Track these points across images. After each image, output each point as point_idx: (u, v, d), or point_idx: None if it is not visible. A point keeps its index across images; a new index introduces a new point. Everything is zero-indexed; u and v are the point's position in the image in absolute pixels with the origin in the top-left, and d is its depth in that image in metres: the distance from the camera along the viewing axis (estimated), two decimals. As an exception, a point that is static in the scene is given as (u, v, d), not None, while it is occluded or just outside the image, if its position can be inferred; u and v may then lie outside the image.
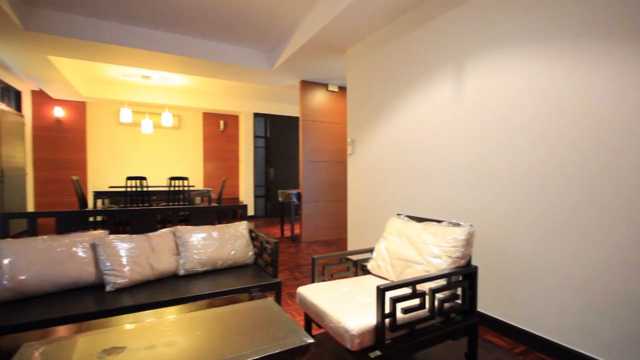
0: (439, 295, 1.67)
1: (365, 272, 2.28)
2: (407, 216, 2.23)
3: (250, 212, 7.42)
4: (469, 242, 1.76)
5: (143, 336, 1.44)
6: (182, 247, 2.48)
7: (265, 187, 7.70)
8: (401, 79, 3.06)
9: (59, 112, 6.30)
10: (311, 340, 1.36)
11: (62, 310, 1.87)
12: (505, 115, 2.20)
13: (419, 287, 1.72)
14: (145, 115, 6.62)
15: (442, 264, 1.75)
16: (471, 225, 1.81)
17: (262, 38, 4.08)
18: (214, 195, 6.30)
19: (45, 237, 2.20)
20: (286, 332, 1.43)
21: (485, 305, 2.34)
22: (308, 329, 1.97)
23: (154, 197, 5.49)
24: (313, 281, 2.07)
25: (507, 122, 2.19)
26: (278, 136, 7.77)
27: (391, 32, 3.17)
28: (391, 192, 3.21)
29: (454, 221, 1.93)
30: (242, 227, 2.78)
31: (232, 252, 2.62)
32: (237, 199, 7.70)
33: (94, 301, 2.01)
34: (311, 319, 1.87)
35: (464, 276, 1.79)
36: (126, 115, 5.86)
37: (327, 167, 5.24)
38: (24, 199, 5.66)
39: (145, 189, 5.04)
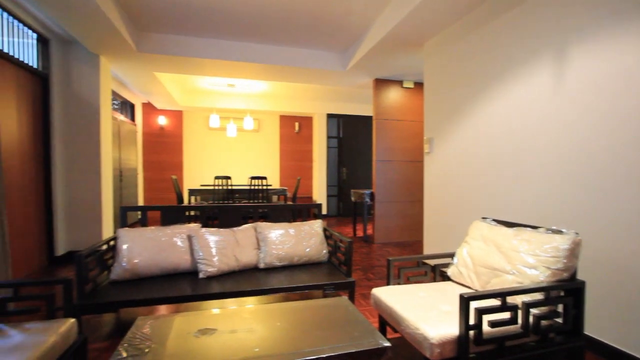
0: (534, 311, 1.47)
1: (445, 278, 2.14)
2: (495, 220, 2.02)
3: (323, 211, 7.59)
4: (573, 253, 1.52)
5: (228, 321, 1.57)
6: (262, 242, 2.65)
7: (338, 187, 7.79)
8: (488, 70, 2.79)
9: (162, 121, 7.30)
10: (388, 344, 1.32)
11: (165, 291, 2.16)
12: (623, 104, 1.84)
13: (510, 299, 1.54)
14: (230, 120, 7.27)
15: (539, 276, 1.54)
16: (577, 234, 1.56)
17: (336, 39, 4.13)
18: (289, 194, 6.61)
19: (153, 227, 2.57)
20: (362, 333, 1.41)
21: (595, 327, 1.99)
22: (383, 331, 1.93)
23: (237, 195, 5.99)
24: (388, 283, 2.02)
25: (626, 113, 1.82)
26: (350, 136, 7.79)
27: (474, 20, 2.92)
28: (474, 193, 2.95)
29: (553, 228, 1.69)
30: (317, 225, 2.85)
31: (307, 250, 2.70)
32: (310, 197, 7.95)
33: (189, 286, 2.27)
34: (386, 322, 1.82)
35: (567, 291, 1.55)
36: (214, 121, 6.51)
37: (401, 167, 5.07)
38: (136, 195, 6.70)
39: (229, 187, 5.53)
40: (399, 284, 2.04)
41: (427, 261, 2.90)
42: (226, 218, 2.94)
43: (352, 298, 2.39)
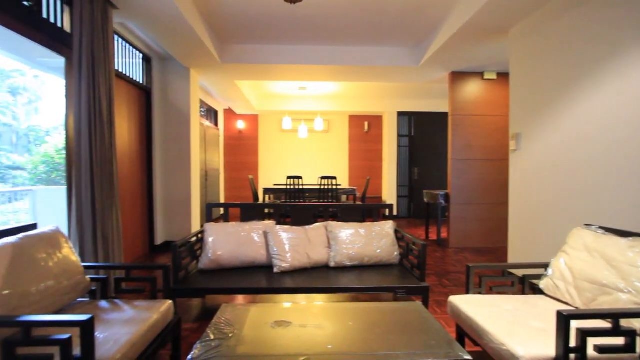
0: (659, 340, 1.21)
1: (536, 291, 1.90)
2: (602, 228, 1.73)
3: (394, 212, 7.38)
4: None
5: (300, 315, 1.62)
6: (333, 241, 2.68)
7: (409, 187, 7.50)
8: (591, 54, 2.40)
9: (240, 125, 7.92)
10: (469, 357, 1.22)
11: (244, 282, 2.33)
12: None
13: (624, 322, 1.30)
14: (302, 121, 7.53)
15: (666, 297, 1.26)
16: None
17: (408, 35, 3.98)
18: (358, 194, 6.59)
19: (233, 223, 2.79)
20: (439, 342, 1.33)
21: None
22: (461, 343, 1.79)
23: (307, 194, 6.18)
24: (467, 292, 1.87)
25: None
26: (423, 134, 7.44)
27: (575, -4, 2.53)
28: (573, 196, 2.56)
29: (687, 239, 1.37)
30: (388, 226, 2.78)
31: (378, 251, 2.66)
32: (379, 198, 7.81)
33: (265, 279, 2.41)
34: (465, 333, 1.69)
35: None
36: (287, 123, 6.82)
37: (481, 166, 4.66)
38: (218, 193, 7.38)
39: (300, 187, 5.74)
40: (479, 293, 1.87)
41: (513, 271, 2.61)
42: (298, 216, 3.05)
43: (425, 304, 2.27)
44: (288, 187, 5.67)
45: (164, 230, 4.50)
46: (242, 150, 7.99)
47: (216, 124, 7.44)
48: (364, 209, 3.17)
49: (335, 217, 3.14)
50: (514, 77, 3.31)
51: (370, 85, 6.16)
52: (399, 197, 7.50)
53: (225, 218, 3.05)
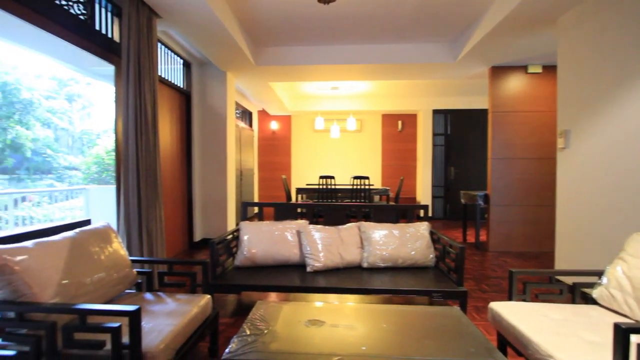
0: None
1: (587, 300, 1.76)
2: (667, 233, 1.56)
3: (428, 213, 7.16)
4: None
5: (334, 315, 1.61)
6: (365, 242, 2.66)
7: (445, 187, 7.25)
8: (653, 40, 2.17)
9: (274, 125, 8.07)
10: (512, 368, 1.15)
11: (277, 280, 2.37)
12: None
13: (696, 339, 1.16)
14: (334, 121, 7.52)
15: None
16: None
17: (444, 29, 3.84)
18: (391, 194, 6.47)
19: (267, 222, 2.85)
20: (478, 350, 1.27)
21: None
22: (502, 352, 1.70)
23: (339, 194, 6.17)
24: (510, 298, 1.77)
25: None
26: (459, 132, 7.15)
27: (634, -21, 2.30)
28: (631, 197, 2.34)
29: None
30: (423, 227, 2.70)
31: (412, 252, 2.59)
32: (413, 198, 7.62)
33: (298, 277, 2.43)
34: (507, 342, 1.60)
35: None
36: (319, 124, 6.86)
37: (524, 165, 4.40)
38: (252, 192, 7.57)
39: (333, 187, 5.74)
40: (523, 300, 1.77)
41: (561, 278, 2.44)
42: (331, 216, 3.05)
43: (463, 309, 2.18)
44: (320, 187, 5.70)
45: (201, 227, 4.70)
46: (275, 151, 8.14)
47: (251, 125, 7.65)
48: (398, 210, 3.10)
49: (367, 218, 3.10)
50: (563, 69, 3.09)
51: (404, 83, 6.03)
52: (434, 197, 7.27)
53: (260, 217, 3.12)
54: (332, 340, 1.37)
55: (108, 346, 1.22)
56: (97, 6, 2.63)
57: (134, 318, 1.19)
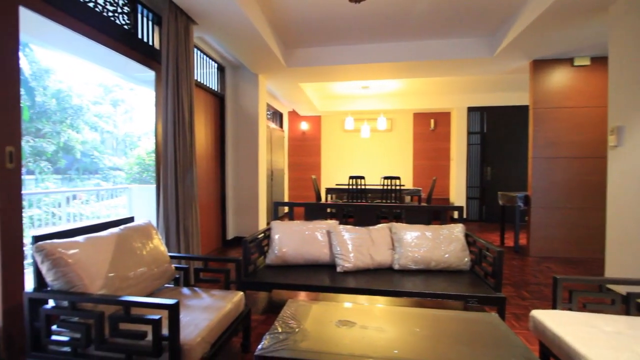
0: None
1: (645, 312, 1.61)
2: None
3: (463, 214, 6.90)
4: None
5: (364, 316, 1.60)
6: (397, 243, 2.61)
7: (480, 188, 6.95)
8: None
9: (304, 126, 8.14)
10: (557, 382, 1.08)
11: (307, 280, 2.38)
12: None
13: None
14: (364, 121, 7.47)
15: None
16: None
17: (481, 23, 3.68)
18: (423, 195, 6.30)
19: (298, 222, 2.88)
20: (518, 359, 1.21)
21: None
22: (545, 364, 1.60)
23: (369, 195, 6.10)
24: (554, 307, 1.66)
25: None
26: (496, 130, 6.82)
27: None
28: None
29: None
30: (458, 230, 2.61)
31: (446, 255, 2.51)
32: (447, 199, 7.37)
33: (328, 277, 2.43)
34: (550, 353, 1.50)
35: None
36: (349, 123, 6.82)
37: (568, 165, 4.11)
38: (282, 192, 7.69)
39: (363, 187, 5.69)
40: (569, 309, 1.65)
41: (613, 287, 2.26)
42: (361, 216, 3.03)
43: (502, 316, 2.08)
44: (350, 187, 5.67)
45: (234, 226, 4.84)
46: (305, 151, 8.21)
47: (281, 125, 7.76)
48: (431, 211, 3.01)
49: (398, 219, 3.04)
50: (614, 61, 2.85)
51: (437, 80, 5.85)
52: (468, 198, 6.99)
53: (290, 216, 3.16)
54: (362, 341, 1.36)
55: (149, 337, 1.29)
56: (139, 16, 2.79)
57: (173, 311, 1.25)
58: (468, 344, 1.35)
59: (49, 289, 1.41)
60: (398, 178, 5.38)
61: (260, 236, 2.69)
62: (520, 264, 3.88)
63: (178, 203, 2.76)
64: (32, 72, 10.71)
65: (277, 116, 7.49)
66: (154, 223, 2.22)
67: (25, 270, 1.89)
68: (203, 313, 1.54)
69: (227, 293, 1.81)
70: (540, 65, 4.14)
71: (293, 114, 8.14)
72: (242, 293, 1.85)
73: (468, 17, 3.54)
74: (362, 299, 2.68)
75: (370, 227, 2.75)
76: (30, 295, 1.39)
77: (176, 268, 1.97)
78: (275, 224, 2.79)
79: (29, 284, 1.73)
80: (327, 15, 3.51)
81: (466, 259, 2.52)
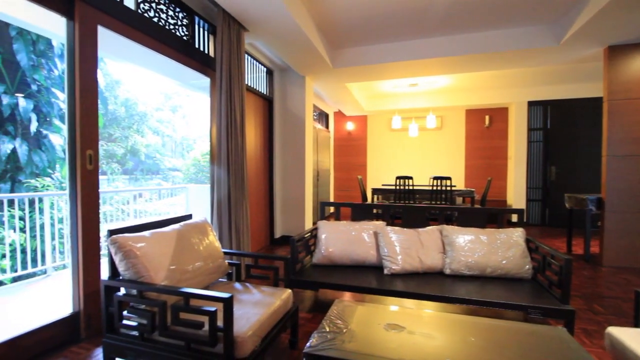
0: None
1: None
2: None
3: (523, 218, 6.37)
4: None
5: (414, 321, 1.54)
6: (448, 247, 2.49)
7: (543, 190, 6.36)
8: None
9: (349, 126, 8.11)
10: (642, 410, 0.95)
11: (354, 281, 2.37)
12: None
13: None
14: (412, 119, 7.24)
15: None
16: None
17: (544, 8, 3.37)
18: (477, 197, 5.93)
19: (344, 222, 2.87)
20: (593, 382, 1.08)
21: None
22: (625, 388, 1.41)
23: (417, 195, 5.89)
24: (637, 325, 1.46)
25: None
26: (562, 126, 6.19)
27: None
28: None
29: None
30: (517, 234, 2.42)
31: (504, 262, 2.34)
32: (503, 201, 6.86)
33: (375, 279, 2.39)
34: (632, 378, 1.33)
35: None
36: (396, 122, 6.66)
37: (653, 164, 3.60)
38: (328, 192, 7.73)
39: (410, 187, 5.52)
40: (656, 329, 1.44)
41: None
42: (409, 218, 2.94)
43: (570, 331, 1.88)
44: (397, 187, 5.53)
45: (281, 224, 4.97)
46: (351, 151, 8.18)
47: (327, 126, 7.82)
48: (487, 213, 2.83)
49: (449, 221, 2.90)
50: None
51: (492, 73, 5.47)
52: (529, 201, 6.44)
53: (337, 216, 3.17)
54: (413, 347, 1.31)
55: (205, 327, 1.38)
56: (197, 27, 2.99)
57: (228, 305, 1.32)
58: (532, 358, 1.24)
59: (120, 277, 1.57)
60: (449, 178, 5.13)
61: (307, 235, 2.73)
62: (592, 274, 3.48)
63: (230, 202, 2.90)
64: (105, 84, 12.02)
65: (323, 117, 7.55)
66: (209, 220, 2.36)
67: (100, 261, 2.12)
68: (254, 308, 1.61)
69: (276, 290, 1.86)
70: (617, 51, 3.68)
71: (339, 115, 8.16)
72: (290, 291, 1.89)
73: (528, 3, 3.26)
74: (409, 303, 2.59)
75: (419, 229, 2.66)
76: (105, 282, 1.56)
77: (229, 264, 2.08)
78: (322, 224, 2.82)
79: (104, 273, 1.93)
80: (373, 13, 3.46)
81: (527, 266, 2.32)
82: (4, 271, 4.50)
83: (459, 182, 7.28)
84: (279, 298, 1.76)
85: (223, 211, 2.88)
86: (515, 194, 6.44)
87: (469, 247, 2.41)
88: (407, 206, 2.96)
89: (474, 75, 5.60)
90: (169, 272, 1.59)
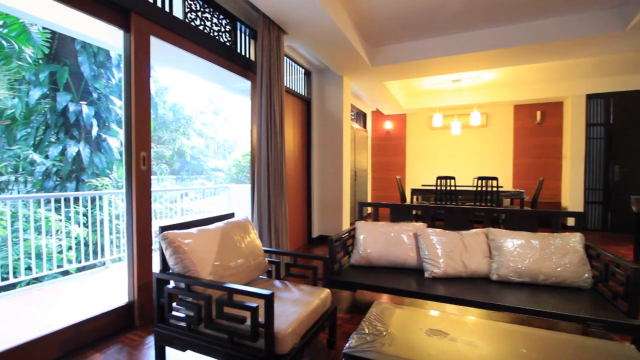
0: None
1: None
2: None
3: (582, 222, 5.84)
4: None
5: (458, 328, 1.47)
6: (495, 251, 2.35)
7: (604, 191, 5.78)
8: None
9: (388, 125, 7.97)
10: None
11: (393, 283, 2.31)
12: None
13: None
14: (454, 117, 6.94)
15: None
16: None
17: (607, -8, 3.06)
18: (527, 198, 5.53)
19: (383, 223, 2.82)
20: (670, 407, 0.96)
21: None
22: None
23: (460, 197, 5.63)
24: None
25: None
26: (628, 121, 5.59)
27: None
28: None
29: None
30: (575, 239, 2.22)
31: (558, 269, 2.16)
32: (558, 204, 6.34)
33: (415, 282, 2.32)
34: None
35: None
36: (437, 120, 6.42)
37: None
38: (366, 192, 7.65)
39: (452, 188, 5.29)
40: None
41: None
42: (452, 220, 2.82)
43: (638, 349, 1.69)
44: (438, 188, 5.33)
45: (319, 224, 5.01)
46: (389, 151, 8.03)
47: (364, 126, 7.74)
48: (540, 216, 2.63)
49: (496, 224, 2.73)
50: None
51: (544, 66, 5.08)
52: (587, 203, 5.89)
53: (375, 217, 3.12)
54: (455, 354, 1.26)
55: (247, 322, 1.42)
56: (238, 32, 3.11)
57: (269, 301, 1.35)
58: (593, 376, 1.13)
59: (170, 271, 1.67)
60: (495, 179, 4.84)
61: (344, 236, 2.72)
62: (665, 286, 3.10)
63: (270, 201, 2.98)
64: (155, 90, 12.90)
65: (360, 116, 7.49)
66: (249, 219, 2.44)
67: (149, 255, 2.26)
68: (293, 306, 1.63)
69: (315, 289, 1.88)
70: (696, 35, 3.25)
71: (377, 114, 8.04)
72: (328, 290, 1.89)
73: (588, -13, 2.99)
74: (451, 308, 2.49)
75: (463, 232, 2.54)
76: (157, 275, 1.67)
77: (268, 262, 2.13)
78: (360, 224, 2.79)
79: (155, 267, 2.07)
80: (413, 7, 3.36)
81: (586, 274, 2.12)
82: (70, 261, 5.00)
83: (506, 183, 6.85)
84: (318, 297, 1.77)
85: (263, 210, 2.96)
86: (572, 196, 5.93)
87: (519, 252, 2.26)
88: (450, 207, 2.84)
89: (523, 68, 5.24)
90: (214, 267, 1.67)
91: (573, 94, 5.89)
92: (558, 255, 2.18)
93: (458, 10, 3.42)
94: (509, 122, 6.89)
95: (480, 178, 4.97)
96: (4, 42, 6.23)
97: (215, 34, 2.81)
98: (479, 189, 5.01)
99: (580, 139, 5.87)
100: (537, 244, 2.25)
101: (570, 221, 5.74)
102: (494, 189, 4.91)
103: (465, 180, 7.03)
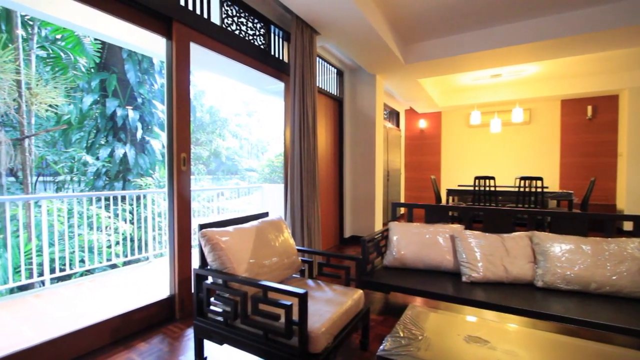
0: None
1: None
2: None
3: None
4: None
5: (498, 335, 1.40)
6: (540, 256, 2.21)
7: (667, 193, 5.23)
8: None
9: (422, 124, 7.75)
10: None
11: (428, 286, 2.25)
12: None
13: None
14: (494, 114, 6.60)
15: None
16: None
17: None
18: (576, 200, 5.13)
19: (417, 224, 2.75)
20: None
21: None
22: None
23: (500, 198, 5.35)
24: None
25: None
26: (697, 115, 5.01)
27: None
28: None
29: None
30: (633, 246, 2.03)
31: (614, 277, 1.98)
32: (612, 206, 5.82)
33: (452, 286, 2.24)
34: None
35: None
36: (475, 118, 6.15)
37: None
38: (399, 193, 7.49)
39: (492, 188, 5.04)
40: None
41: None
42: (492, 222, 2.68)
43: None
44: (476, 188, 5.10)
45: (351, 224, 4.98)
46: (423, 150, 7.81)
47: (398, 125, 7.59)
48: (590, 219, 2.43)
49: (540, 227, 2.56)
50: None
51: (595, 57, 4.68)
52: (647, 206, 5.36)
53: (409, 218, 3.05)
54: (499, 365, 1.19)
55: (282, 319, 1.44)
56: (272, 35, 3.17)
57: (303, 300, 1.36)
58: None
59: (208, 267, 1.74)
60: (540, 179, 4.54)
61: (377, 236, 2.68)
62: None
63: (302, 201, 3.00)
64: (194, 93, 13.51)
65: (393, 115, 7.36)
66: (283, 218, 2.48)
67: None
68: (326, 305, 1.63)
69: (348, 289, 1.87)
70: None
71: (410, 112, 7.85)
72: (361, 291, 1.87)
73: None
74: (490, 315, 2.37)
75: (504, 235, 2.41)
76: (196, 271, 1.74)
77: (301, 261, 2.15)
78: (394, 225, 2.74)
79: (195, 262, 2.17)
80: (448, 1, 3.24)
81: (647, 284, 1.93)
82: (117, 256, 5.36)
83: (552, 183, 6.41)
84: (351, 298, 1.76)
85: (296, 210, 2.99)
86: (629, 198, 5.42)
87: (567, 257, 2.10)
88: (491, 209, 2.70)
89: (571, 60, 4.87)
90: (249, 265, 1.71)
91: (630, 87, 5.39)
92: (613, 262, 2.01)
93: (496, 2, 3.24)
94: (556, 118, 6.44)
95: (522, 178, 4.69)
96: (62, 54, 6.82)
97: (250, 37, 2.89)
98: (522, 189, 4.73)
99: (638, 135, 5.35)
100: (588, 250, 2.09)
101: (628, 225, 5.25)
102: (539, 189, 4.61)
103: (505, 180, 6.67)
